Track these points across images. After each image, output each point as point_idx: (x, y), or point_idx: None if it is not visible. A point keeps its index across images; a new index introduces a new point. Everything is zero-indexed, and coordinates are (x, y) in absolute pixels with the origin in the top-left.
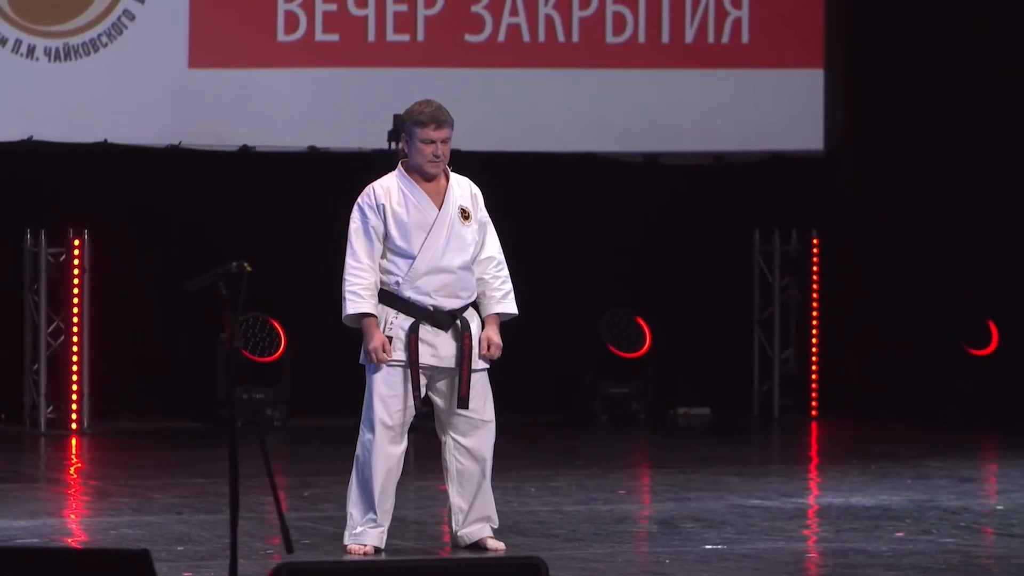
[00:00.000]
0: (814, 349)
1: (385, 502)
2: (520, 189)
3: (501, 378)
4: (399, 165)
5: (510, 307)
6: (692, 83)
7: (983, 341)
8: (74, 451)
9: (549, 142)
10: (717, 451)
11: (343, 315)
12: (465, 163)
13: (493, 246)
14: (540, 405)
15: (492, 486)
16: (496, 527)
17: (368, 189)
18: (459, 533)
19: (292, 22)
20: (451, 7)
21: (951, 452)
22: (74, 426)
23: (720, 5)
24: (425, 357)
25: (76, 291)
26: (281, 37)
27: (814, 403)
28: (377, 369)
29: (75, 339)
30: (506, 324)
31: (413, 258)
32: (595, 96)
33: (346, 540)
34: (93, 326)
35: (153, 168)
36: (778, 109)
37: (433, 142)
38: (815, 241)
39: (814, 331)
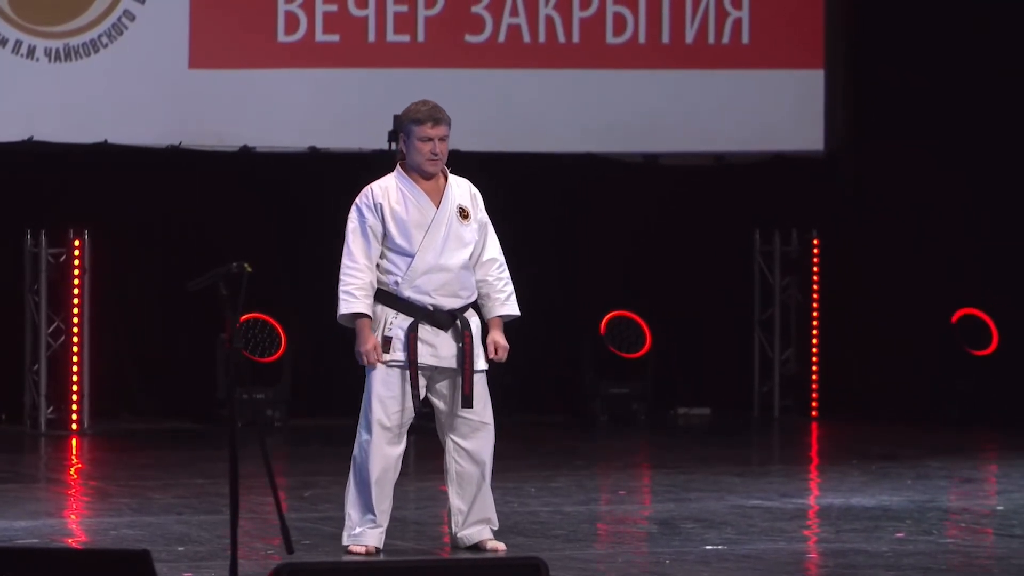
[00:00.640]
0: (814, 349)
1: (383, 503)
2: (520, 189)
3: (501, 379)
4: (397, 166)
5: (513, 309)
6: (692, 83)
7: (983, 341)
8: (74, 451)
9: (549, 142)
10: (717, 451)
11: (337, 315)
12: (465, 163)
13: (494, 248)
14: (540, 405)
15: (492, 487)
16: (496, 528)
17: (366, 189)
18: (459, 535)
19: (292, 22)
20: (451, 8)
21: (951, 452)
22: (74, 426)
23: (720, 5)
24: (425, 357)
25: (76, 291)
26: (281, 37)
27: (814, 403)
28: (373, 367)
29: (75, 339)
30: (507, 324)
31: (412, 257)
32: (595, 96)
33: (345, 540)
34: (93, 326)
35: (153, 168)
36: (778, 109)
37: (431, 140)
38: (815, 241)
39: (814, 331)
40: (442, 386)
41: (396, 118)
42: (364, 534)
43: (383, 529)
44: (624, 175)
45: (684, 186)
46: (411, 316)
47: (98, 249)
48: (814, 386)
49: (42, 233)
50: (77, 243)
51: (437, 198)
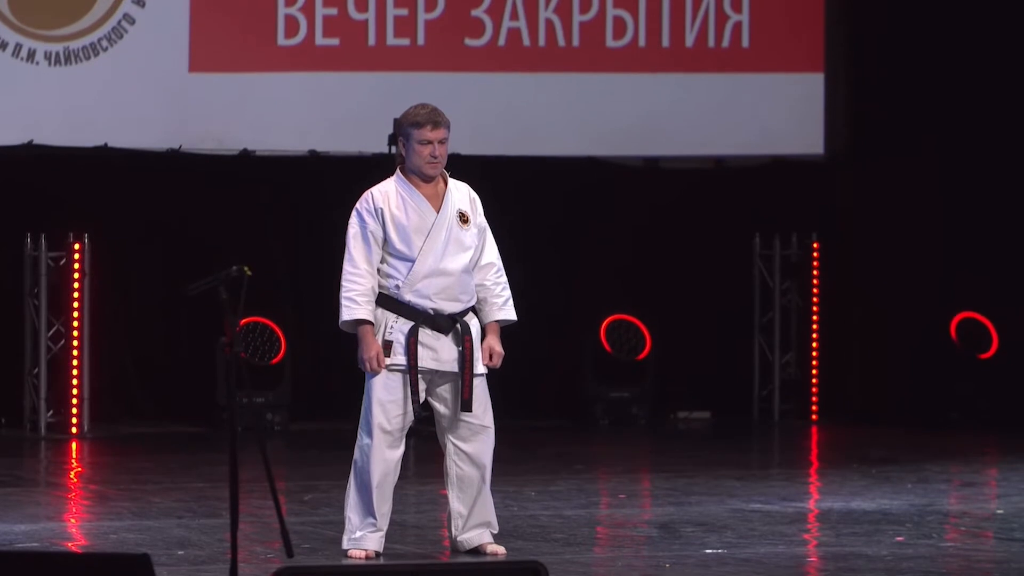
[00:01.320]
0: (814, 353)
1: (383, 506)
2: (521, 193)
3: (501, 383)
4: (397, 170)
5: (510, 314)
6: (692, 87)
7: (983, 345)
8: (74, 455)
9: (550, 146)
10: (717, 455)
11: (339, 321)
12: (466, 167)
13: (492, 252)
14: (540, 409)
15: (492, 490)
16: (496, 532)
17: (366, 194)
18: (459, 538)
19: (292, 26)
20: (451, 11)
21: (951, 456)
22: (74, 430)
23: (720, 9)
24: (425, 361)
25: (76, 295)
26: (281, 41)
27: (814, 407)
28: (376, 373)
29: (75, 343)
30: (506, 328)
31: (412, 261)
32: (596, 100)
33: (345, 544)
34: (93, 330)
35: (154, 172)
36: (778, 113)
37: (430, 143)
38: (815, 245)
39: (814, 335)
40: (442, 390)
41: (395, 122)
42: (364, 538)
43: (383, 533)
44: (624, 179)
45: (684, 190)
46: (412, 320)
47: (98, 253)
48: (814, 390)
49: (42, 237)
50: (77, 247)
51: (437, 203)
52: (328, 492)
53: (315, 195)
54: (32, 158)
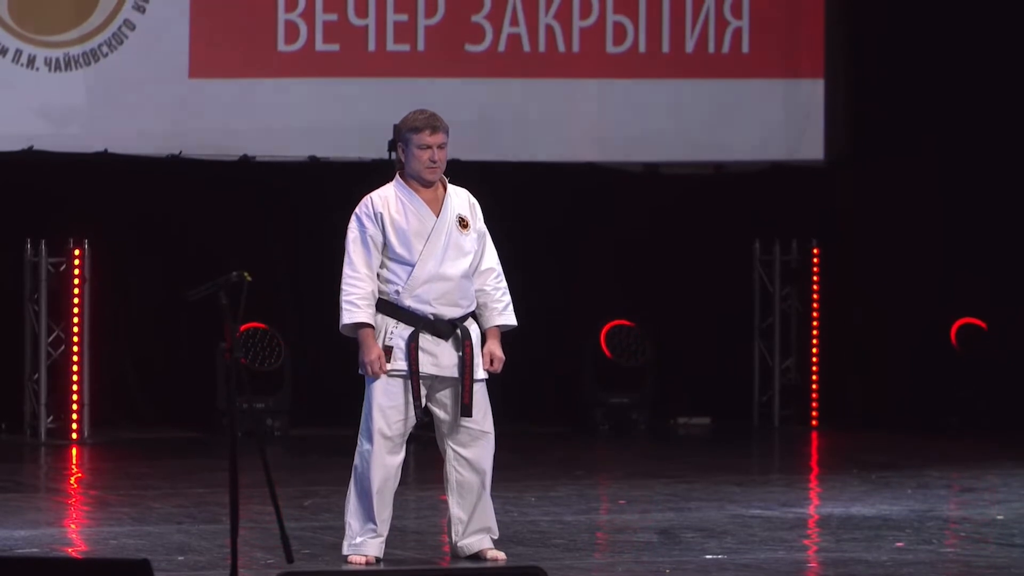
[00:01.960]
0: (814, 359)
1: (383, 512)
2: (520, 199)
3: (501, 388)
4: (396, 175)
5: (510, 320)
6: (692, 93)
7: (983, 350)
8: (74, 461)
9: (549, 152)
10: (717, 461)
11: (340, 325)
12: (465, 172)
13: (492, 258)
14: (540, 415)
15: (492, 496)
16: (496, 538)
17: (366, 199)
18: (459, 544)
19: (292, 32)
20: (451, 17)
21: (951, 462)
22: (74, 436)
23: (720, 15)
24: (425, 366)
25: (76, 301)
26: (281, 47)
27: (814, 412)
28: (377, 377)
29: (75, 349)
30: (506, 333)
31: (412, 265)
32: (595, 106)
33: (345, 550)
34: (93, 336)
35: (153, 177)
36: (778, 119)
37: (429, 147)
38: (815, 251)
39: (814, 341)
40: (442, 395)
41: (395, 127)
42: (364, 544)
43: (383, 539)
44: (624, 184)
45: (684, 195)
46: (412, 325)
47: (98, 258)
48: (814, 395)
49: (42, 242)
50: (77, 252)
51: (436, 207)
52: (328, 497)
53: (315, 200)
54: (32, 163)
